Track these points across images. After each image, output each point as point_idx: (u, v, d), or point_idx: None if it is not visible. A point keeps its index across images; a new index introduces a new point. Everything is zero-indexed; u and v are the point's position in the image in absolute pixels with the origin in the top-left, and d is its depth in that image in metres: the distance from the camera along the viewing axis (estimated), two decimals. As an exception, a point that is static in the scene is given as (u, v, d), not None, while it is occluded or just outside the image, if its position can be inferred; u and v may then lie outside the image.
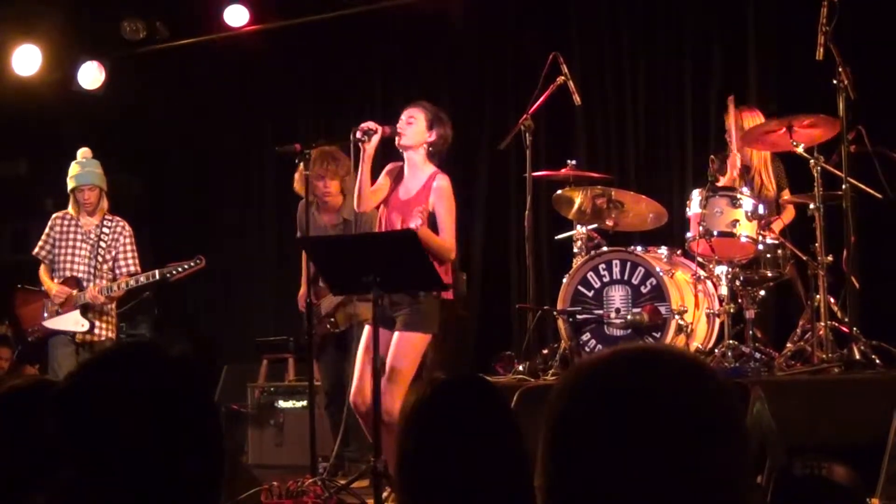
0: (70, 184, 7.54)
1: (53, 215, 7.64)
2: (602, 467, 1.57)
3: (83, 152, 7.63)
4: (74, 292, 7.36)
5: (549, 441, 1.63)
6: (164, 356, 1.88)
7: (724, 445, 1.59)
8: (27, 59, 9.68)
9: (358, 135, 5.94)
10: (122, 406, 1.80)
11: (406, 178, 6.08)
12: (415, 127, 6.01)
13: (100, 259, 7.47)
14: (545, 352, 7.32)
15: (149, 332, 9.12)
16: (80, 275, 7.45)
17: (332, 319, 7.14)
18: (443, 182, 5.98)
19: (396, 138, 6.02)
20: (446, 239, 5.93)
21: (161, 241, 10.27)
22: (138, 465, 1.78)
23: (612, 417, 1.58)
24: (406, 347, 5.83)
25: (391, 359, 5.81)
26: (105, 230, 7.53)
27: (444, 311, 6.09)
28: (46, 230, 7.59)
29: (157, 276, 7.34)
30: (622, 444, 1.56)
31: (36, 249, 7.60)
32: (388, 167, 6.15)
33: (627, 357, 1.64)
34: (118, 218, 7.64)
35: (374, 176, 6.10)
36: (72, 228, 7.53)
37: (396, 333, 5.83)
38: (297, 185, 7.00)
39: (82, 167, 7.57)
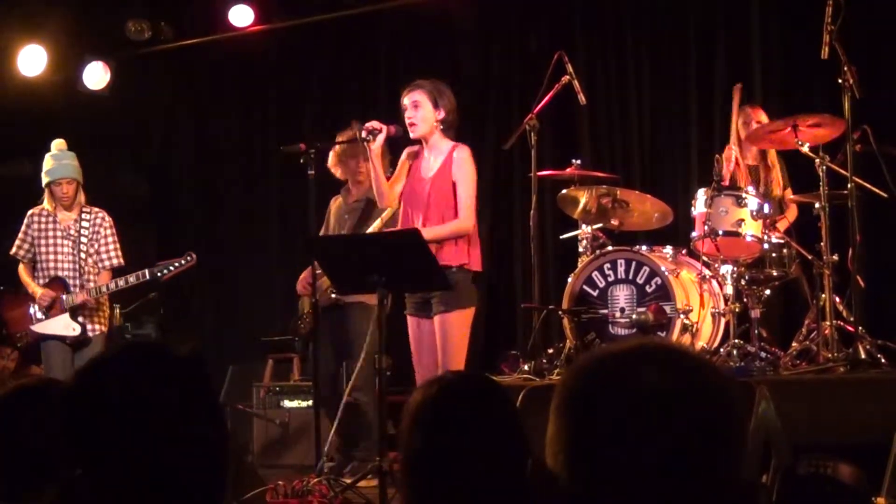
0: (45, 178, 7.34)
1: (29, 212, 7.42)
2: (609, 460, 1.58)
3: (58, 144, 7.44)
4: (63, 296, 7.21)
5: (557, 428, 1.64)
6: (170, 356, 1.88)
7: (725, 441, 1.60)
8: (32, 60, 9.68)
9: (363, 134, 5.97)
10: (127, 405, 1.80)
11: (426, 157, 6.11)
12: (422, 111, 6.01)
13: (83, 255, 7.30)
14: (550, 351, 7.32)
15: (154, 331, 9.11)
16: (65, 273, 7.28)
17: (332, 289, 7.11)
18: (463, 153, 6.04)
19: (410, 131, 6.03)
20: (464, 210, 5.96)
21: (165, 240, 10.28)
22: (144, 464, 1.78)
23: (616, 413, 1.59)
24: (450, 329, 5.88)
25: (440, 344, 5.88)
26: (84, 223, 7.34)
27: (476, 282, 6.17)
28: (23, 228, 7.38)
29: (148, 276, 7.22)
30: (625, 437, 1.57)
31: (14, 249, 7.39)
32: (405, 153, 6.19)
33: (634, 353, 1.65)
34: (96, 209, 7.45)
35: (393, 166, 6.18)
36: (50, 225, 7.33)
37: (437, 318, 5.89)
38: (332, 165, 7.09)
39: (57, 160, 7.38)
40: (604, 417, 1.61)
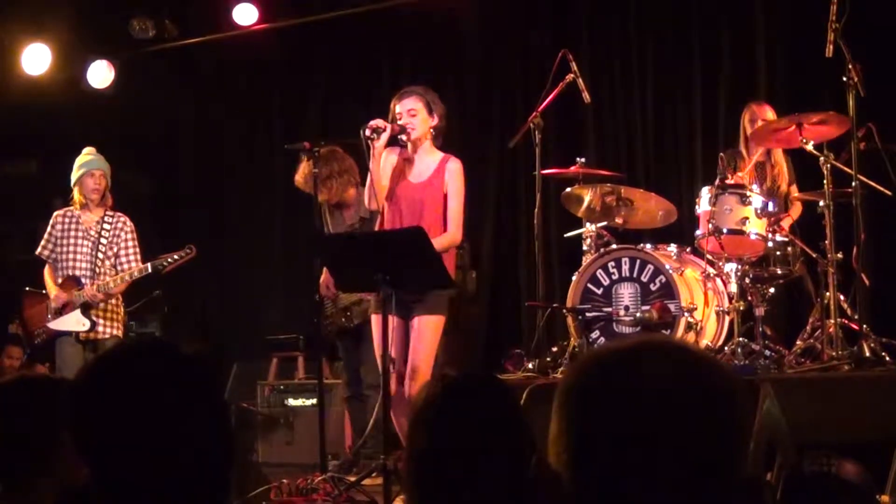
0: (78, 173, 7.44)
1: (55, 213, 7.54)
2: (611, 458, 1.58)
3: (89, 150, 7.58)
4: (75, 292, 7.28)
5: (558, 428, 1.64)
6: (175, 353, 1.89)
7: (727, 437, 1.60)
8: (37, 59, 9.69)
9: (367, 132, 5.97)
10: (132, 402, 1.80)
11: (415, 163, 6.11)
12: (419, 117, 6.05)
13: (100, 256, 7.38)
14: (555, 349, 7.30)
15: (158, 330, 9.13)
16: (81, 272, 7.36)
17: (349, 314, 7.14)
18: (457, 165, 6.09)
19: (405, 136, 6.04)
20: (454, 223, 6.03)
21: (170, 239, 10.27)
22: (148, 461, 1.78)
23: (617, 411, 1.59)
24: (427, 332, 5.93)
25: (417, 345, 5.92)
26: (106, 226, 7.43)
27: (451, 301, 6.17)
28: (48, 229, 7.50)
29: (150, 269, 7.30)
30: (627, 435, 1.57)
31: (39, 249, 7.51)
32: (387, 157, 6.16)
33: (634, 350, 1.65)
34: (119, 213, 7.55)
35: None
36: (73, 226, 7.44)
37: (416, 319, 5.92)
38: (299, 179, 7.09)
39: (90, 156, 7.51)
40: (605, 415, 1.61)
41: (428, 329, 5.93)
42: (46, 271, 7.51)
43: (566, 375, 1.71)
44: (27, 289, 7.64)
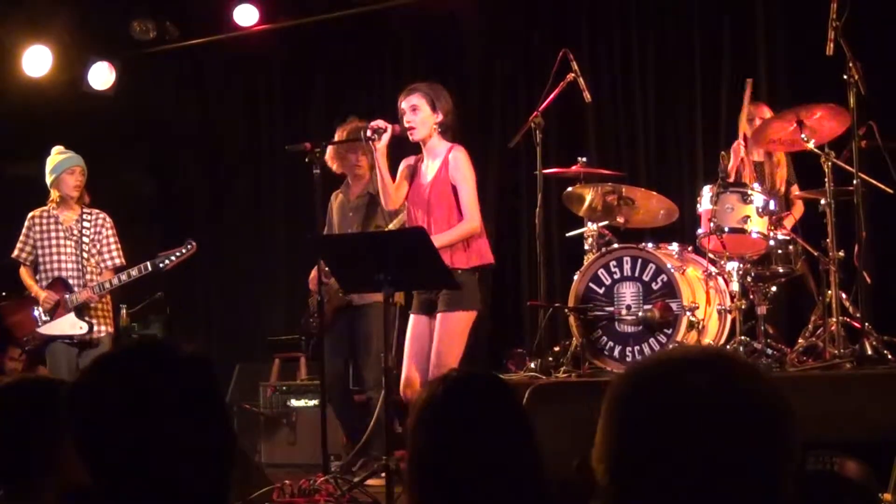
0: (54, 173, 7.34)
1: (30, 214, 7.41)
2: (652, 471, 1.58)
3: (60, 148, 7.47)
4: (67, 296, 7.19)
5: (602, 436, 1.64)
6: (175, 354, 1.89)
7: (770, 450, 1.60)
8: (37, 60, 9.69)
9: (368, 133, 5.98)
10: (132, 403, 1.80)
11: (425, 163, 6.12)
12: (421, 114, 6.04)
13: (85, 255, 7.28)
14: (557, 349, 7.30)
15: (161, 331, 9.12)
16: (68, 273, 7.26)
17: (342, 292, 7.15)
18: (459, 153, 6.06)
19: (409, 135, 6.04)
20: (468, 210, 5.99)
21: (172, 240, 10.27)
22: (149, 462, 1.78)
23: (661, 421, 1.58)
24: (449, 328, 5.88)
25: (436, 342, 5.87)
26: (86, 224, 7.33)
27: (485, 281, 6.14)
28: (24, 231, 7.37)
29: (150, 268, 7.20)
30: (670, 447, 1.56)
31: (15, 252, 7.37)
32: (404, 163, 6.20)
33: (680, 360, 1.65)
34: (97, 210, 7.45)
35: (393, 170, 6.19)
36: (52, 226, 7.33)
37: (439, 315, 5.89)
38: (329, 159, 7.14)
39: (64, 154, 7.39)
40: (645, 427, 1.60)
41: (447, 325, 5.88)
42: (24, 273, 7.36)
43: (614, 383, 1.70)
44: (3, 294, 7.51)
